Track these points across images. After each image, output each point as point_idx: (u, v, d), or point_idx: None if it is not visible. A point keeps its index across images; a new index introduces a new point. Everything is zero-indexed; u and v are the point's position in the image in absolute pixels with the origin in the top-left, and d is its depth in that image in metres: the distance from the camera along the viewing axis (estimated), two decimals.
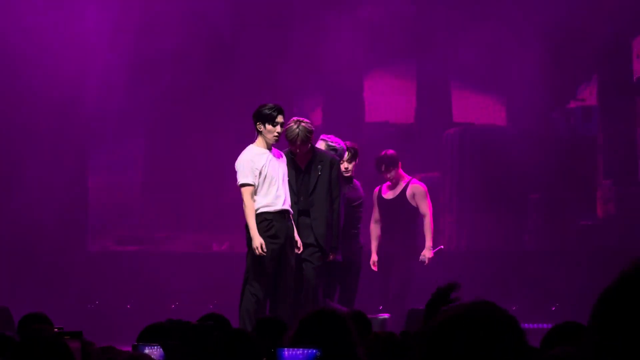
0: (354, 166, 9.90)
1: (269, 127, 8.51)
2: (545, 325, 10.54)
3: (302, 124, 8.83)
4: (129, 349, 5.02)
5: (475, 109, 13.74)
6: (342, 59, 13.72)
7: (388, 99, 13.95)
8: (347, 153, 9.64)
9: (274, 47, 13.92)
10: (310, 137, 8.86)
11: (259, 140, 8.65)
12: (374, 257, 10.44)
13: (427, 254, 10.32)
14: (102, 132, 13.92)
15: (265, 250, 8.51)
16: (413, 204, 10.46)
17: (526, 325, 10.01)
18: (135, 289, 12.85)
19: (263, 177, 8.58)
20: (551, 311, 12.11)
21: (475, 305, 2.31)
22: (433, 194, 13.34)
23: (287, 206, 8.72)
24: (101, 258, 13.60)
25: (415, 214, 10.56)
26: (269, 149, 8.64)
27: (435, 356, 2.23)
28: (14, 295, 11.52)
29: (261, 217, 8.62)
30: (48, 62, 13.16)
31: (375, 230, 10.56)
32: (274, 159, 8.65)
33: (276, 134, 8.56)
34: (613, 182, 12.85)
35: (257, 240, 8.50)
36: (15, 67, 13.15)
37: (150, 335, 5.07)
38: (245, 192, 8.59)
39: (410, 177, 10.59)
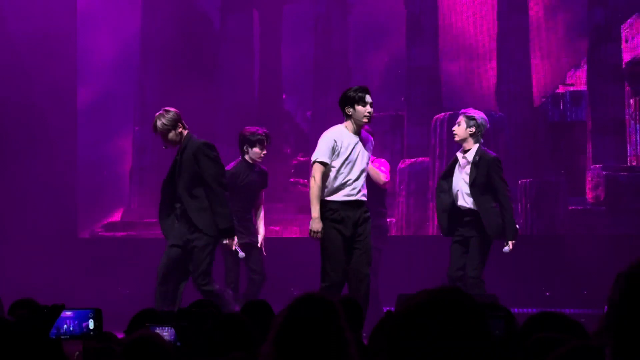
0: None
1: (359, 107, 8.19)
2: (531, 310, 10.56)
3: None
4: (121, 334, 5.01)
5: (465, 94, 13.74)
6: (332, 46, 13.72)
7: (379, 84, 13.96)
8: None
9: (263, 35, 13.92)
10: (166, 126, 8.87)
11: (348, 124, 8.30)
12: None
13: None
14: (92, 118, 13.90)
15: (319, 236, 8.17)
16: (379, 184, 10.22)
17: (515, 310, 10.04)
18: (126, 275, 12.85)
19: (342, 160, 8.24)
20: (539, 296, 12.14)
21: (439, 293, 2.33)
22: (423, 179, 13.38)
23: (361, 197, 8.33)
24: (91, 244, 13.60)
25: (381, 196, 10.37)
26: (357, 133, 8.30)
27: (401, 343, 2.26)
28: (4, 281, 11.51)
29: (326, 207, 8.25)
30: (37, 48, 13.12)
31: None
32: (359, 145, 8.30)
33: (367, 114, 8.21)
34: (602, 167, 12.88)
35: (316, 225, 8.19)
36: (4, 53, 13.11)
37: (142, 320, 5.07)
38: (316, 169, 8.22)
39: (375, 157, 10.24)
